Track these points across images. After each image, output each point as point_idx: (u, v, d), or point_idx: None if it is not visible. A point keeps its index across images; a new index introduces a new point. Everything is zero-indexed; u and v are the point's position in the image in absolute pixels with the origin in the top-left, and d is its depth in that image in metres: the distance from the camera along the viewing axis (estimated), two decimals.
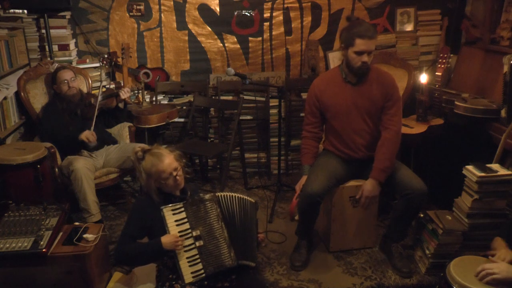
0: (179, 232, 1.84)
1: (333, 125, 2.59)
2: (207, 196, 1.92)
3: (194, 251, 1.84)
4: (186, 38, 3.74)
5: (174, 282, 1.82)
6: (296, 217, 2.85)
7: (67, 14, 3.43)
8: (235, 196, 1.99)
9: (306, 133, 2.68)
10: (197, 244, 1.84)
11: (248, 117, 3.81)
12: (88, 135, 2.88)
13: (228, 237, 1.89)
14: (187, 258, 1.82)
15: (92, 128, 2.93)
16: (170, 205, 1.86)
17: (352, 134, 2.55)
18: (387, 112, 2.49)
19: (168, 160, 1.89)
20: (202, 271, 1.82)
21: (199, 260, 1.83)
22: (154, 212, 1.86)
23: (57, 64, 3.22)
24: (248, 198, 2.03)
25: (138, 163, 1.91)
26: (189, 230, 1.86)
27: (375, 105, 2.49)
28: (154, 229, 1.86)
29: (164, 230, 1.83)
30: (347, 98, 2.51)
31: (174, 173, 1.89)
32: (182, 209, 1.87)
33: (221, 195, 1.96)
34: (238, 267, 1.87)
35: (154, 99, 3.71)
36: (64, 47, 3.45)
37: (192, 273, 1.81)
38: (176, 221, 1.85)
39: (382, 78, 2.50)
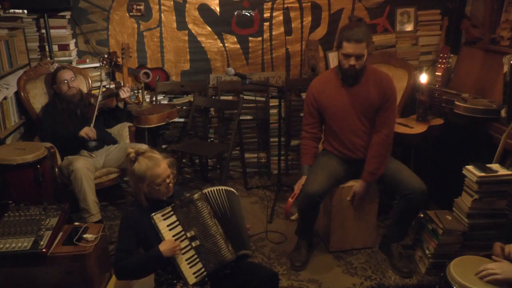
0: (173, 236, 1.82)
1: (331, 125, 2.59)
2: (195, 196, 1.89)
3: (192, 252, 1.84)
4: (186, 38, 3.74)
5: (175, 281, 1.82)
6: (293, 217, 2.85)
7: (67, 14, 3.43)
8: (221, 189, 1.97)
9: (305, 134, 2.68)
10: (193, 244, 1.84)
11: (248, 117, 3.81)
12: (88, 131, 2.89)
13: (223, 232, 1.89)
14: (186, 260, 1.81)
15: (92, 124, 2.93)
16: (159, 211, 1.83)
17: (350, 134, 2.55)
18: (381, 114, 2.50)
19: (164, 165, 1.85)
20: (203, 269, 1.83)
21: (198, 260, 1.83)
22: (145, 222, 1.82)
23: (57, 64, 3.22)
24: (230, 188, 2.01)
25: (130, 165, 1.85)
26: (183, 232, 1.84)
27: (371, 106, 2.50)
28: (149, 239, 1.82)
29: (158, 238, 1.80)
30: (344, 99, 2.51)
31: (168, 180, 1.85)
32: (172, 212, 1.85)
33: (208, 192, 1.93)
34: (237, 258, 1.89)
35: (154, 99, 3.71)
36: (64, 47, 3.45)
37: (194, 273, 1.81)
38: (168, 225, 1.83)
39: (380, 79, 2.50)
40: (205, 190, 1.94)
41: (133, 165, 1.83)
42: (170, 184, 1.87)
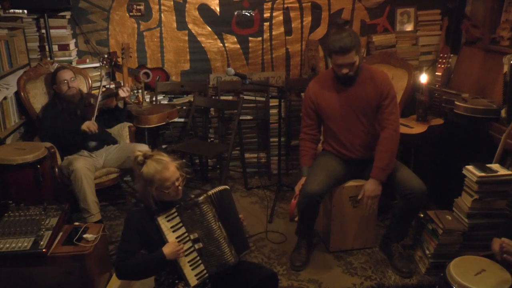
0: (176, 237, 1.81)
1: (329, 126, 2.60)
2: (201, 199, 1.86)
3: (194, 254, 1.83)
4: (186, 38, 3.74)
5: (177, 281, 1.82)
6: (296, 219, 2.85)
7: (67, 14, 3.43)
8: (222, 189, 1.95)
9: (303, 135, 2.68)
10: (196, 246, 1.83)
11: (248, 117, 3.81)
12: (90, 125, 2.89)
13: (227, 235, 1.89)
14: (188, 262, 1.81)
15: (93, 119, 2.92)
16: (163, 212, 1.81)
17: (349, 134, 2.55)
18: (383, 111, 2.49)
19: (172, 168, 1.81)
20: (205, 271, 1.83)
21: (200, 262, 1.83)
22: (148, 224, 1.80)
23: (57, 64, 3.22)
24: (227, 187, 1.99)
25: (138, 168, 1.81)
26: (186, 234, 1.83)
27: (369, 105, 2.49)
28: (152, 240, 1.81)
29: (161, 239, 1.79)
30: (341, 99, 2.51)
31: (177, 183, 1.82)
32: (176, 214, 1.83)
33: (212, 194, 1.91)
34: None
35: (154, 99, 3.71)
36: (64, 47, 3.45)
37: (195, 275, 1.81)
38: (171, 227, 1.81)
39: (376, 77, 2.50)
40: (210, 193, 1.90)
41: (141, 168, 1.79)
42: (179, 187, 1.83)
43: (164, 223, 1.81)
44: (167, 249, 1.76)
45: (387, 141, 2.47)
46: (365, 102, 2.49)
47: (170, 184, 1.79)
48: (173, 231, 1.82)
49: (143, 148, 2.92)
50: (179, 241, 1.81)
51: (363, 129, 2.54)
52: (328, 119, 2.58)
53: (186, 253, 1.81)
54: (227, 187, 1.99)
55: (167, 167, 1.79)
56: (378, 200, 2.52)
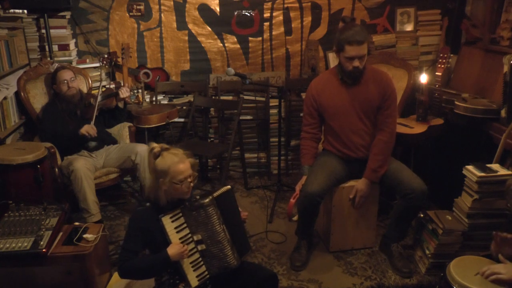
0: (180, 238, 1.81)
1: (331, 125, 2.60)
2: (206, 201, 1.84)
3: (197, 255, 1.83)
4: (186, 38, 3.74)
5: (178, 282, 1.82)
6: (295, 218, 2.86)
7: (67, 14, 3.44)
8: (225, 190, 1.94)
9: (305, 134, 2.69)
10: (199, 248, 1.83)
11: (248, 117, 3.80)
12: (88, 129, 2.88)
13: (230, 237, 1.88)
14: (190, 263, 1.81)
15: (92, 122, 2.92)
16: (168, 212, 1.81)
17: (350, 134, 2.56)
18: (382, 113, 2.51)
19: (187, 163, 1.82)
20: (206, 272, 1.83)
21: (202, 263, 1.83)
22: (153, 224, 1.80)
23: (57, 64, 3.22)
24: (229, 187, 1.99)
25: (152, 160, 1.82)
26: (190, 235, 1.83)
27: (372, 105, 2.50)
28: (155, 240, 1.81)
29: (165, 240, 1.79)
30: (344, 99, 2.52)
31: (189, 180, 1.82)
32: (180, 214, 1.83)
33: (218, 196, 1.90)
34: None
35: (154, 99, 3.71)
36: (64, 47, 3.45)
37: (197, 276, 1.81)
38: (175, 228, 1.81)
39: (379, 78, 2.51)
40: (215, 194, 1.89)
41: (155, 160, 1.80)
42: (191, 184, 1.84)
43: (168, 223, 1.80)
44: (171, 250, 1.76)
45: (382, 144, 2.50)
46: (367, 102, 2.50)
47: (183, 178, 1.79)
48: (177, 232, 1.81)
49: (144, 148, 2.93)
50: (182, 242, 1.80)
51: (365, 129, 2.55)
52: (330, 118, 2.58)
53: (188, 254, 1.81)
54: (229, 187, 1.98)
55: (183, 161, 1.81)
56: (376, 199, 2.64)
